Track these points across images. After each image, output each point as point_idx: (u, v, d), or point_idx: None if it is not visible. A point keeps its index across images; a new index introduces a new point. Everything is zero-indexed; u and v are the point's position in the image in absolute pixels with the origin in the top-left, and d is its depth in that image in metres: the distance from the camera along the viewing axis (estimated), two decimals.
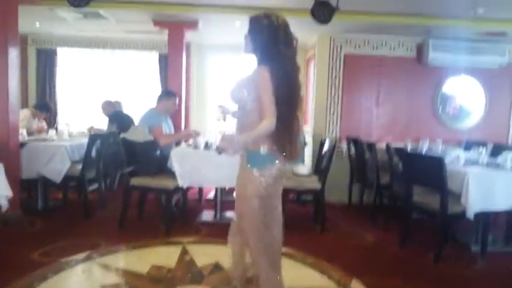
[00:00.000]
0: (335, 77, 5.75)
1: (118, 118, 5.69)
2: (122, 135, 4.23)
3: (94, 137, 4.62)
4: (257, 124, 2.20)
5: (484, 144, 4.82)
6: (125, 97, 6.83)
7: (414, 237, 3.90)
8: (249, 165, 2.30)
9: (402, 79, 5.80)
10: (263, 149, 2.24)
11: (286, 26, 2.26)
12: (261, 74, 2.21)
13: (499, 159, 3.94)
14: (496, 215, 3.95)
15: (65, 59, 7.18)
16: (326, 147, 4.59)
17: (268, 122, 2.16)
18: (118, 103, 6.27)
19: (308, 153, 5.79)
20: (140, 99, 7.01)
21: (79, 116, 7.05)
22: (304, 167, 4.54)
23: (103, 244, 3.58)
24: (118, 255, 3.42)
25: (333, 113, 5.76)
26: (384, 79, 5.79)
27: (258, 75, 2.23)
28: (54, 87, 7.13)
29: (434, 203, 3.51)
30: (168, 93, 4.90)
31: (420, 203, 3.75)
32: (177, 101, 4.97)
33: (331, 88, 5.76)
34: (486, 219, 3.63)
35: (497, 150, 4.63)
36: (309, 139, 5.82)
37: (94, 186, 4.76)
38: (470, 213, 3.36)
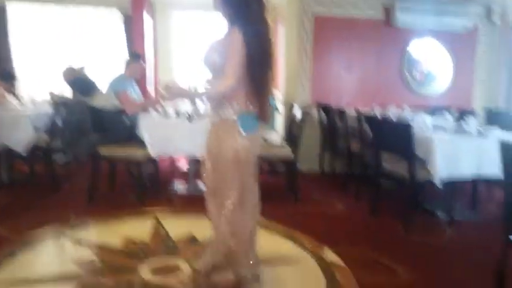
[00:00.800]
0: (305, 40, 5.61)
1: (81, 84, 5.44)
2: (88, 102, 4.05)
3: (59, 104, 4.42)
4: (232, 91, 2.19)
5: (449, 109, 4.95)
6: (89, 62, 6.50)
7: (385, 205, 3.97)
8: (239, 126, 2.26)
9: (371, 42, 5.77)
10: (235, 108, 2.23)
11: None
12: (233, 36, 2.16)
13: (465, 124, 4.03)
14: (464, 183, 4.04)
15: (17, 16, 6.63)
16: (296, 114, 4.57)
17: (226, 84, 2.16)
18: (81, 68, 5.98)
19: (279, 120, 5.76)
20: (106, 63, 6.70)
21: (39, 81, 6.68)
22: (276, 134, 4.51)
23: (73, 217, 3.50)
24: (90, 229, 3.36)
25: (304, 78, 5.68)
26: (354, 42, 5.73)
27: (230, 38, 2.19)
28: (8, 49, 6.60)
29: (403, 170, 3.56)
30: (133, 55, 4.69)
31: (389, 170, 3.82)
32: (143, 64, 4.79)
33: (301, 52, 5.63)
34: (453, 187, 3.71)
35: (462, 115, 4.77)
36: (279, 105, 5.77)
37: (62, 156, 4.61)
38: (437, 179, 3.43)
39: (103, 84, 5.09)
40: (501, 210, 3.87)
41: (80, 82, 5.53)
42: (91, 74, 6.11)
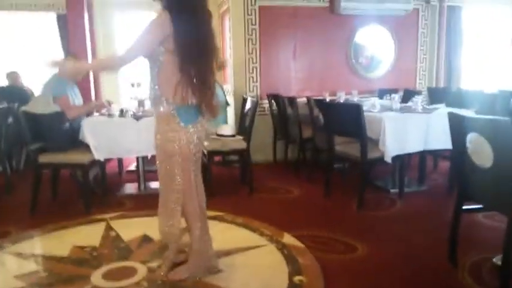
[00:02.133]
0: (251, 31, 5.56)
1: (8, 93, 5.08)
2: (22, 108, 3.75)
3: None
4: (173, 77, 2.14)
5: (395, 91, 5.08)
6: (24, 66, 6.11)
7: (337, 187, 4.04)
8: (178, 119, 2.21)
9: (317, 30, 5.80)
10: (170, 102, 2.18)
11: None
12: (157, 16, 2.12)
13: (410, 103, 4.16)
14: (410, 157, 4.22)
15: None
16: (248, 106, 4.51)
17: (118, 56, 2.18)
18: (13, 73, 5.60)
19: (231, 113, 5.69)
20: (40, 66, 6.31)
21: None
22: (229, 127, 4.43)
23: (13, 232, 3.23)
24: (34, 241, 3.10)
25: (252, 70, 5.63)
26: (300, 31, 5.74)
27: (153, 18, 2.13)
28: None
29: (354, 150, 3.64)
30: (69, 56, 4.37)
31: (342, 152, 3.87)
32: None
33: (248, 43, 5.58)
34: (402, 162, 3.83)
35: (407, 95, 4.91)
36: (230, 99, 5.70)
37: None
38: (388, 157, 3.55)
39: (37, 87, 4.78)
40: (447, 181, 4.07)
41: (7, 91, 5.18)
42: (25, 79, 5.77)
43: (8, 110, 4.42)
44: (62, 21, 6.21)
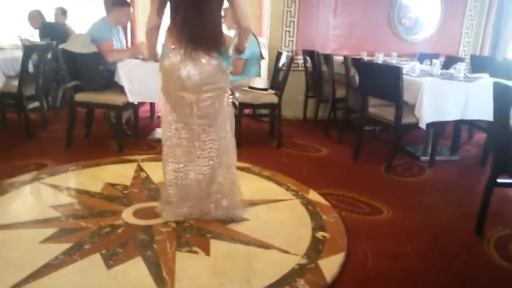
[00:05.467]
0: None
1: (50, 30, 5.11)
2: (61, 46, 3.79)
3: (30, 48, 4.15)
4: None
5: (437, 56, 4.88)
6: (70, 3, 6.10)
7: (366, 149, 3.98)
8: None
9: None
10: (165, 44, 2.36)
11: None
12: None
13: (452, 70, 4.00)
14: (444, 125, 4.10)
15: None
16: (282, 60, 4.43)
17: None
18: (58, 9, 5.63)
19: (264, 66, 5.60)
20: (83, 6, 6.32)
21: (6, 26, 6.28)
22: (261, 80, 4.38)
23: (49, 164, 3.38)
24: (68, 175, 3.23)
25: (290, 24, 5.47)
26: None
27: None
28: None
29: (388, 114, 3.56)
30: (118, 2, 4.29)
31: (375, 115, 3.79)
32: (132, 11, 4.44)
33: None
34: (436, 129, 3.73)
35: (449, 62, 4.71)
36: (265, 52, 5.60)
37: (35, 104, 4.39)
38: (423, 123, 3.45)
39: (82, 28, 4.78)
40: (481, 152, 3.96)
41: (49, 28, 5.21)
42: (72, 17, 5.80)
43: (47, 46, 4.47)
44: None
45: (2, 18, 6.40)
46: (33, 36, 5.39)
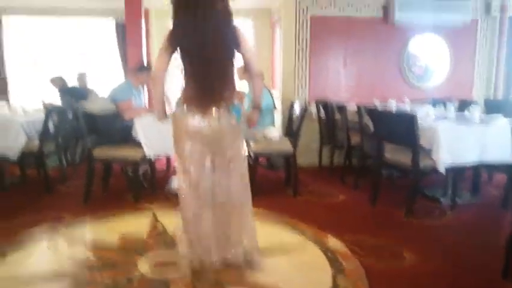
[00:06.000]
0: (302, 39, 5.59)
1: (71, 94, 5.38)
2: (81, 106, 3.97)
3: (51, 109, 4.34)
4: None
5: (450, 101, 4.89)
6: (84, 69, 6.48)
7: (383, 195, 3.91)
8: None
9: (369, 39, 5.72)
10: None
11: None
12: None
13: (467, 113, 3.99)
14: (464, 168, 4.02)
15: (13, 28, 6.66)
16: (296, 110, 4.51)
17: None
18: (82, 74, 5.98)
19: (278, 117, 5.70)
20: (102, 70, 6.70)
21: (32, 91, 6.65)
22: (276, 130, 4.44)
23: (67, 217, 3.40)
24: (85, 227, 3.25)
25: (302, 77, 5.63)
26: (351, 40, 5.69)
27: None
28: (1, 59, 6.61)
29: (405, 159, 3.52)
30: (140, 67, 4.57)
31: (391, 160, 3.76)
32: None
33: (298, 51, 5.59)
34: (456, 172, 3.67)
35: (463, 106, 4.71)
36: (278, 103, 5.72)
37: (54, 161, 4.51)
38: (441, 167, 3.39)
39: (102, 89, 5.03)
40: (502, 194, 3.84)
41: (69, 90, 5.49)
42: (91, 80, 6.12)
43: (68, 107, 4.68)
44: (120, 29, 6.52)
45: (27, 83, 6.78)
46: (55, 100, 5.64)
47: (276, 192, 4.27)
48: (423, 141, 3.46)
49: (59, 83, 5.68)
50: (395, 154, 3.76)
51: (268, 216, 3.41)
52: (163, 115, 2.50)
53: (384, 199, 3.86)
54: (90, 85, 6.17)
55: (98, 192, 4.12)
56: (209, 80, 2.31)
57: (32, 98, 6.27)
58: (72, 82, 5.96)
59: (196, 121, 2.33)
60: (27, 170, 4.59)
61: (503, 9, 5.88)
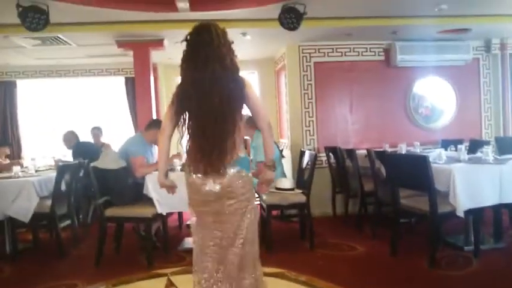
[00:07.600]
0: (307, 86, 5.67)
1: (83, 150, 5.40)
2: (92, 164, 3.97)
3: (63, 168, 4.34)
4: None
5: (460, 141, 4.85)
6: (95, 124, 6.58)
7: (404, 243, 3.80)
8: None
9: (373, 83, 5.79)
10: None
11: (195, 42, 2.23)
12: None
13: (480, 153, 3.93)
14: (483, 210, 3.91)
15: (26, 90, 6.86)
16: (306, 159, 4.48)
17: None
18: (95, 129, 6.07)
19: (288, 166, 5.66)
20: (112, 124, 6.81)
21: (44, 150, 6.71)
22: (288, 180, 4.39)
23: (79, 285, 3.30)
24: None
25: (309, 124, 5.67)
26: (356, 84, 5.77)
27: None
28: (16, 121, 6.77)
29: (422, 204, 3.45)
30: (148, 125, 4.46)
31: (408, 206, 3.68)
32: None
33: (304, 98, 5.67)
34: (476, 216, 3.56)
35: (474, 146, 4.67)
36: (287, 152, 5.71)
37: (66, 222, 4.46)
38: (460, 211, 3.31)
39: (115, 143, 5.05)
40: None
41: (81, 147, 5.51)
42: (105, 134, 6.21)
43: (79, 165, 4.67)
44: (129, 83, 6.67)
45: (40, 141, 6.89)
46: (66, 156, 5.67)
47: (292, 246, 4.16)
48: (438, 185, 3.40)
49: (71, 137, 5.71)
50: (411, 200, 3.69)
51: (286, 274, 3.28)
52: (163, 177, 2.41)
53: (404, 248, 3.74)
54: (104, 139, 6.25)
55: (110, 253, 4.03)
56: (215, 139, 2.20)
57: (44, 154, 6.31)
58: (84, 137, 6.01)
59: (208, 187, 2.23)
60: (39, 233, 4.53)
61: (503, 47, 5.98)
